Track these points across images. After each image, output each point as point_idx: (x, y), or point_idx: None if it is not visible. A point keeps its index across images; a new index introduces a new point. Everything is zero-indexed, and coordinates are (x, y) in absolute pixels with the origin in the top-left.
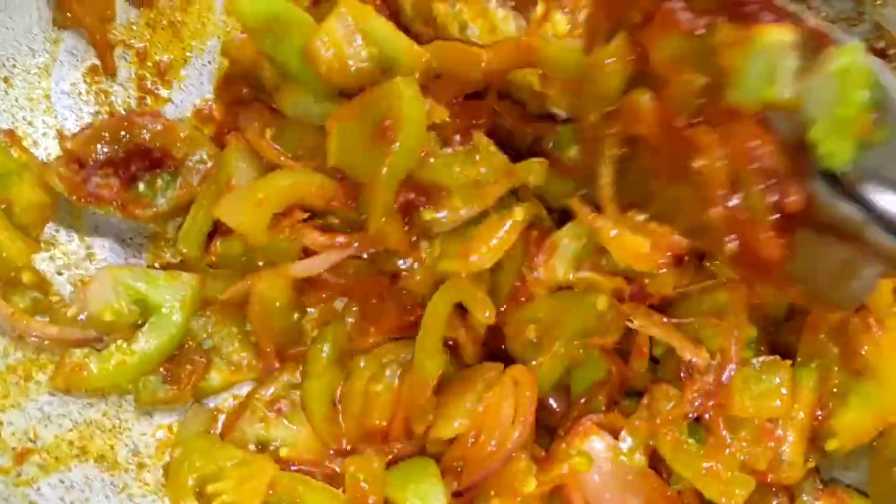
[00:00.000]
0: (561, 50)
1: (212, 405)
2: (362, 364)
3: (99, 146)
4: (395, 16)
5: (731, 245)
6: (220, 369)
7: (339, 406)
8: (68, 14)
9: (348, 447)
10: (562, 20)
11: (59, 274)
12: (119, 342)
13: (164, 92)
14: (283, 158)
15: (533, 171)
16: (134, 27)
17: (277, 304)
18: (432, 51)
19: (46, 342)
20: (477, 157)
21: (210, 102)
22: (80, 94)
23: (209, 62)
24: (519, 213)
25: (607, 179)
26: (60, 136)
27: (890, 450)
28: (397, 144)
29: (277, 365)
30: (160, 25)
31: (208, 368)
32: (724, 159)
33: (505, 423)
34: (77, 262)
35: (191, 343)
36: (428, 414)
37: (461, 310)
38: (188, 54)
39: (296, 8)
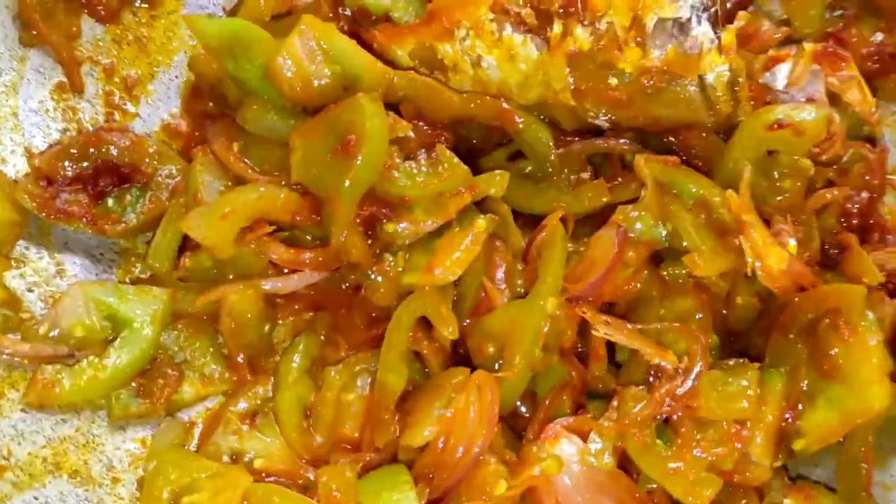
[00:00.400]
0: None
1: (185, 418)
2: (333, 374)
3: (67, 163)
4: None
5: None
6: (193, 382)
7: (311, 416)
8: (34, 32)
9: (321, 457)
10: (583, 33)
11: (30, 291)
12: (91, 358)
13: (131, 107)
14: (249, 172)
15: (494, 184)
16: (100, 43)
17: (248, 315)
18: (405, 83)
19: (18, 359)
20: (440, 169)
21: (178, 117)
22: (47, 111)
23: (176, 76)
24: (482, 225)
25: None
26: (29, 153)
27: (856, 447)
28: (360, 159)
29: (250, 377)
30: (126, 41)
31: (181, 382)
32: None
33: (471, 427)
34: (48, 278)
35: (163, 357)
36: (390, 427)
37: (426, 323)
38: (155, 69)
39: (255, 27)
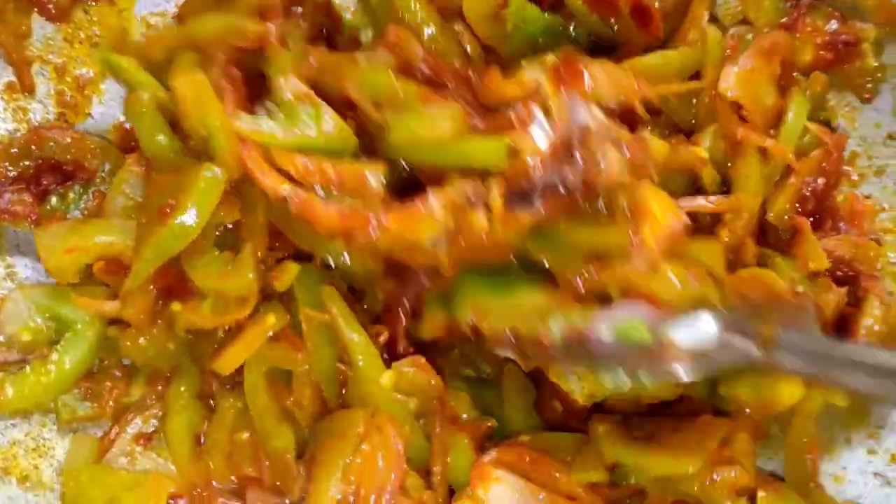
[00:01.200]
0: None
1: (99, 433)
2: (228, 404)
3: (8, 163)
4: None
5: None
6: (140, 385)
7: (205, 444)
8: None
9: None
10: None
11: None
12: (34, 362)
13: (83, 107)
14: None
15: (281, 280)
16: (51, 42)
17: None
18: (271, 212)
19: None
20: (229, 268)
21: None
22: None
23: None
24: (270, 320)
25: None
26: None
27: (796, 437)
28: (167, 225)
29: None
30: (77, 40)
31: (129, 383)
32: None
33: (382, 474)
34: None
35: (110, 359)
36: (298, 481)
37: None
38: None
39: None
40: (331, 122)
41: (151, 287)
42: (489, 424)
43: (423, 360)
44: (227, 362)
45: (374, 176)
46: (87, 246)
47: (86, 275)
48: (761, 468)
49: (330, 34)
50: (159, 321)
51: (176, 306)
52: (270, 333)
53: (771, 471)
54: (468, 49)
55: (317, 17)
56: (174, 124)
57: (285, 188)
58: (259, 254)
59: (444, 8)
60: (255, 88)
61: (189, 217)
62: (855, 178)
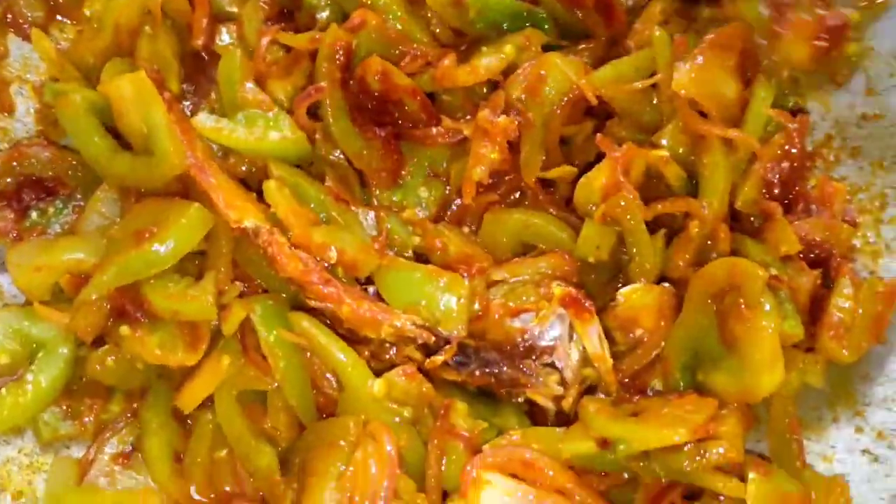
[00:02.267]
0: None
1: (78, 455)
2: (205, 421)
3: None
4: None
5: None
6: (119, 401)
7: (185, 462)
8: None
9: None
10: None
11: None
12: (10, 384)
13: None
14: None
15: (228, 322)
16: (28, 61)
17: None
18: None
19: None
20: (190, 291)
21: None
22: None
23: None
24: (225, 361)
25: None
26: None
27: (778, 419)
28: (142, 249)
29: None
30: None
31: (108, 400)
32: None
33: (374, 481)
34: None
35: (87, 376)
36: (287, 494)
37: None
38: None
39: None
40: (288, 128)
41: (105, 304)
42: (483, 428)
43: (412, 368)
44: (188, 400)
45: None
46: (56, 264)
47: (58, 293)
48: (750, 450)
49: (290, 11)
50: (106, 341)
51: (124, 330)
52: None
53: (759, 453)
54: (437, 32)
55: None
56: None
57: (249, 222)
58: (220, 284)
59: None
60: (200, 90)
61: (165, 248)
62: (831, 159)
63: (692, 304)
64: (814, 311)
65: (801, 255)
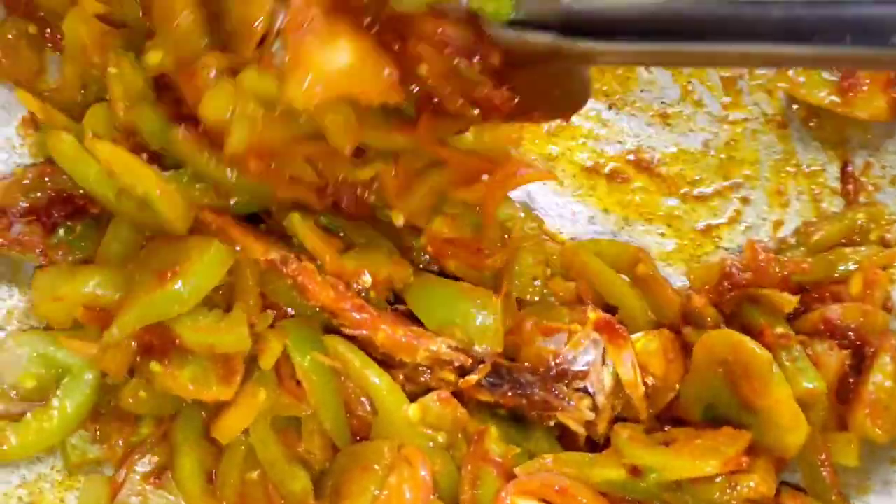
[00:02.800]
0: None
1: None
2: (238, 442)
3: (20, 194)
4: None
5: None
6: (149, 424)
7: (217, 483)
8: None
9: None
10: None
11: (2, 330)
12: (36, 409)
13: None
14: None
15: (266, 356)
16: None
17: None
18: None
19: None
20: (221, 324)
21: None
22: (13, 147)
23: None
24: (261, 395)
25: None
26: None
27: (806, 451)
28: (168, 288)
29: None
30: None
31: (138, 423)
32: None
33: None
34: (20, 316)
35: (116, 400)
36: None
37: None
38: None
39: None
40: None
41: (133, 343)
42: (516, 453)
43: (447, 393)
44: (226, 432)
45: None
46: (75, 296)
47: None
48: (786, 481)
49: None
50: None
51: (155, 367)
52: None
53: (795, 484)
54: None
55: None
56: None
57: (275, 253)
58: (250, 314)
59: None
60: None
61: (187, 287)
62: (870, 188)
63: (698, 370)
64: (842, 392)
65: (832, 337)
